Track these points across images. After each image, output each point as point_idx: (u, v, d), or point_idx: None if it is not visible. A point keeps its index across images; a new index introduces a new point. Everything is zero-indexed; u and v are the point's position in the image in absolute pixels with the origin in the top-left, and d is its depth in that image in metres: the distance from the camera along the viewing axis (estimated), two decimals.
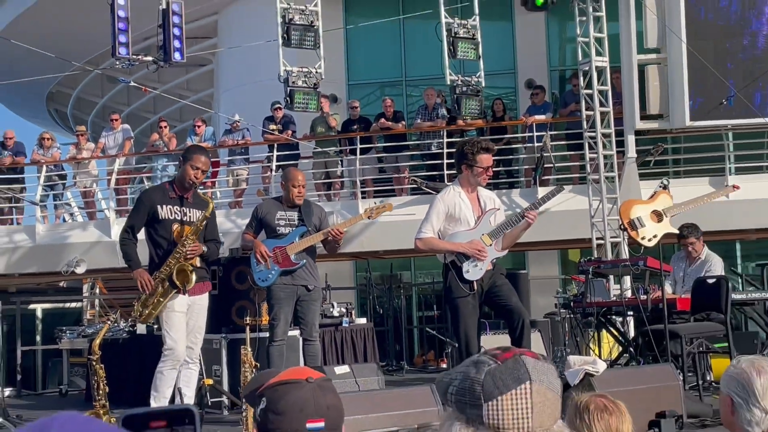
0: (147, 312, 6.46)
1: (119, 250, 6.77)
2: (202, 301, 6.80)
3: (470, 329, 6.44)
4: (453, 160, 13.52)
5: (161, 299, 6.44)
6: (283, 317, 7.35)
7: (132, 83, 14.35)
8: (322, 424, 2.15)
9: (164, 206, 6.58)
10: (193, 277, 6.44)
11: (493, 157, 14.51)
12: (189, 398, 6.69)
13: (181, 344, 6.55)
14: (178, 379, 6.65)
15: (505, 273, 6.74)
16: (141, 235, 6.76)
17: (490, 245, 6.48)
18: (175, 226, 6.54)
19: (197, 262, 6.66)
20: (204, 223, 6.58)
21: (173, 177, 7.18)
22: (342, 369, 7.29)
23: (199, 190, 7.00)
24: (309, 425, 2.14)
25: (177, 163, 15.50)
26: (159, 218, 6.57)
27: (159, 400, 6.46)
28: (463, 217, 6.51)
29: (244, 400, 5.18)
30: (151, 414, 1.74)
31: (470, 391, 1.77)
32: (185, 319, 6.63)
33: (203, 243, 6.71)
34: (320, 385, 2.21)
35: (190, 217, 6.64)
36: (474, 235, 6.49)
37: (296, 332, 7.89)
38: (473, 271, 6.42)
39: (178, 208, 6.60)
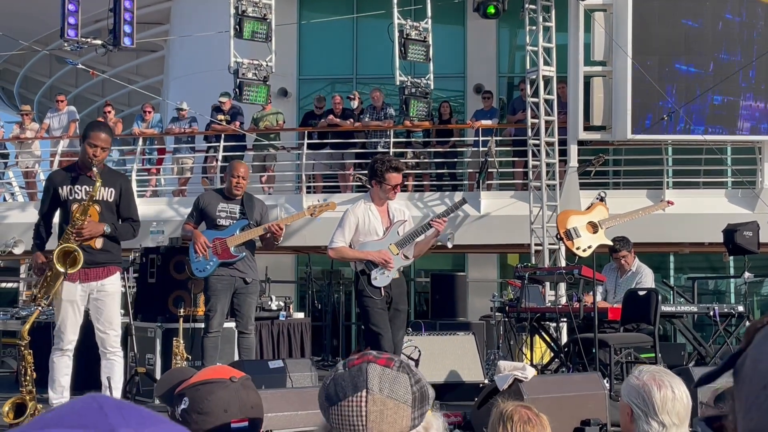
0: (40, 295, 6.20)
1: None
2: (106, 287, 6.43)
3: (381, 324, 6.72)
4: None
5: (51, 282, 6.18)
6: (219, 309, 7.37)
7: (80, 65, 14.20)
8: (246, 424, 2.20)
9: (65, 187, 6.38)
10: (81, 258, 6.09)
11: (438, 160, 14.67)
12: (115, 389, 6.58)
13: (68, 334, 6.34)
14: (101, 369, 6.51)
15: (405, 291, 7.12)
16: None
17: (397, 254, 6.83)
18: (75, 206, 6.28)
19: (97, 243, 6.33)
20: (91, 201, 6.23)
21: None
22: (276, 363, 7.34)
23: (112, 167, 6.68)
24: (234, 425, 2.18)
25: (121, 148, 15.45)
26: (61, 200, 6.39)
27: (55, 389, 6.33)
28: (372, 229, 6.83)
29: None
30: None
31: (321, 396, 1.85)
32: (75, 307, 6.36)
33: (115, 222, 6.44)
34: (243, 384, 2.26)
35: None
36: (382, 245, 6.82)
37: (232, 324, 7.92)
38: (380, 279, 6.79)
39: (79, 187, 6.36)
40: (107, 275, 6.45)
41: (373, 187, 6.92)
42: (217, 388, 2.20)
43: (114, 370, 6.49)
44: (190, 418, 2.17)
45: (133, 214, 6.61)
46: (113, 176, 6.64)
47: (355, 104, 14.55)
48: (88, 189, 6.31)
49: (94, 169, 6.26)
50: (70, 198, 6.35)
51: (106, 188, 6.39)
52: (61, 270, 6.05)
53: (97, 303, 6.42)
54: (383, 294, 6.81)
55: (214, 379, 2.24)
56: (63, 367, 6.37)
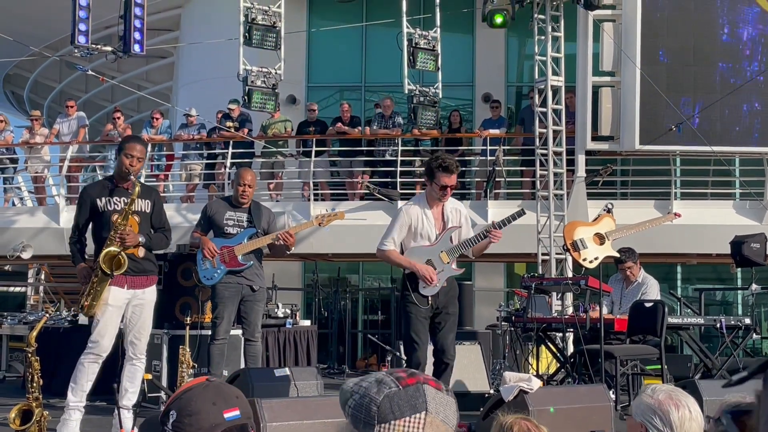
0: (87, 302, 6.30)
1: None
2: (146, 295, 6.60)
3: (422, 334, 6.55)
4: (405, 168, 13.72)
5: (97, 288, 6.30)
6: (226, 316, 7.39)
7: (90, 72, 14.25)
8: (237, 412, 2.23)
9: (102, 198, 6.50)
10: (125, 261, 6.25)
11: None
12: (133, 393, 6.65)
13: (107, 339, 6.41)
14: (122, 374, 6.60)
15: (457, 294, 6.82)
16: None
17: (448, 263, 6.59)
18: (115, 217, 6.41)
19: (140, 252, 6.49)
20: (132, 206, 6.37)
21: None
22: (282, 372, 7.34)
23: (142, 180, 6.92)
24: (226, 415, 2.21)
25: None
26: (99, 211, 6.50)
27: (76, 392, 6.37)
28: (425, 233, 6.59)
29: None
30: None
31: (366, 410, 1.78)
32: (119, 313, 6.48)
33: (149, 233, 6.59)
34: (221, 382, 2.33)
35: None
36: (433, 252, 6.59)
37: (239, 332, 7.93)
38: (429, 288, 6.57)
39: (117, 199, 6.50)
40: (150, 284, 6.66)
41: (428, 186, 6.66)
42: (198, 390, 2.24)
43: (137, 375, 6.67)
44: (182, 423, 2.18)
45: (165, 224, 6.81)
46: (146, 190, 6.79)
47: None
48: (126, 200, 6.46)
49: (132, 178, 6.44)
50: (109, 209, 6.50)
51: (143, 200, 6.56)
52: (108, 272, 6.24)
53: (135, 310, 6.57)
54: (429, 303, 6.57)
55: (192, 385, 2.28)
56: (91, 373, 6.44)
